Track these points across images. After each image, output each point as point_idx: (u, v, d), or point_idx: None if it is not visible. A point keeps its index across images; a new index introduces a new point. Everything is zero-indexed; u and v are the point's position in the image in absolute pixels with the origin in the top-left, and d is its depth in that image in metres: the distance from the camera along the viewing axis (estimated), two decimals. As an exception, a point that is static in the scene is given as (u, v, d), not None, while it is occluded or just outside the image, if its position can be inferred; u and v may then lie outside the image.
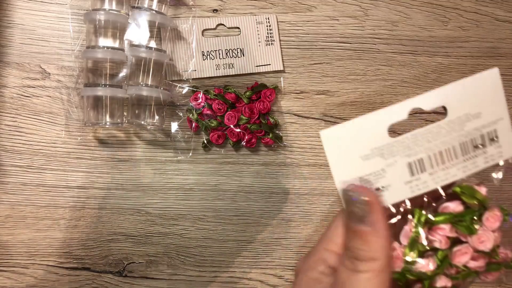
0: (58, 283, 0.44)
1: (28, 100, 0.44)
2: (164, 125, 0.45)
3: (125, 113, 0.44)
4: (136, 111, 0.43)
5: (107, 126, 0.44)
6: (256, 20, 0.46)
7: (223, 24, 0.46)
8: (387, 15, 0.48)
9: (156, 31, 0.44)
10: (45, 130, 0.45)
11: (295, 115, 0.47)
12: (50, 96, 0.45)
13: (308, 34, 0.47)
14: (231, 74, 0.46)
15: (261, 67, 0.46)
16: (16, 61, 0.45)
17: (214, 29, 0.46)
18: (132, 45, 0.43)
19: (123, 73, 0.44)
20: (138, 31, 0.42)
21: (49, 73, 0.45)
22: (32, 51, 0.45)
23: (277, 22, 0.47)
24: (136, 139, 0.45)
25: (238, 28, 0.46)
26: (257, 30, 0.46)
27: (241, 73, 0.46)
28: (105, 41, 0.42)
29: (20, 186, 0.44)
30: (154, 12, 0.43)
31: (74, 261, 0.44)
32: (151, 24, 0.43)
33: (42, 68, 0.45)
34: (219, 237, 0.46)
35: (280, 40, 0.46)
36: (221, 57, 0.46)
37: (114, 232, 0.45)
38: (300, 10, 0.47)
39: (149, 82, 0.43)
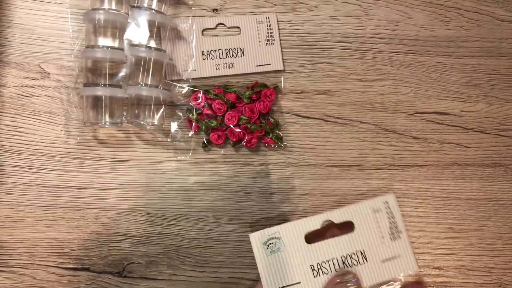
0: (58, 283, 0.44)
1: (27, 100, 0.44)
2: (164, 125, 0.44)
3: (124, 113, 0.44)
4: (136, 111, 0.43)
5: (106, 126, 0.44)
6: (256, 19, 0.46)
7: (223, 24, 0.46)
8: (388, 15, 0.47)
9: (156, 30, 0.44)
10: (45, 130, 0.44)
11: (296, 115, 0.46)
12: (50, 96, 0.44)
13: (308, 33, 0.47)
14: (231, 73, 0.46)
15: (261, 66, 0.46)
16: (15, 61, 0.44)
17: (214, 28, 0.46)
18: (131, 44, 0.43)
19: (122, 72, 0.44)
20: (138, 31, 0.42)
21: (49, 73, 0.45)
22: (32, 51, 0.44)
23: (277, 21, 0.46)
24: (136, 139, 0.45)
25: (238, 27, 0.46)
26: (257, 30, 0.46)
27: (241, 72, 0.46)
28: (104, 41, 0.42)
29: (19, 186, 0.44)
30: (153, 11, 0.43)
31: (74, 262, 0.44)
32: (151, 24, 0.43)
33: (42, 68, 0.44)
34: (219, 238, 0.45)
35: (280, 40, 0.46)
36: (221, 56, 0.46)
37: (113, 233, 0.45)
38: (301, 9, 0.47)
39: (149, 82, 0.43)
